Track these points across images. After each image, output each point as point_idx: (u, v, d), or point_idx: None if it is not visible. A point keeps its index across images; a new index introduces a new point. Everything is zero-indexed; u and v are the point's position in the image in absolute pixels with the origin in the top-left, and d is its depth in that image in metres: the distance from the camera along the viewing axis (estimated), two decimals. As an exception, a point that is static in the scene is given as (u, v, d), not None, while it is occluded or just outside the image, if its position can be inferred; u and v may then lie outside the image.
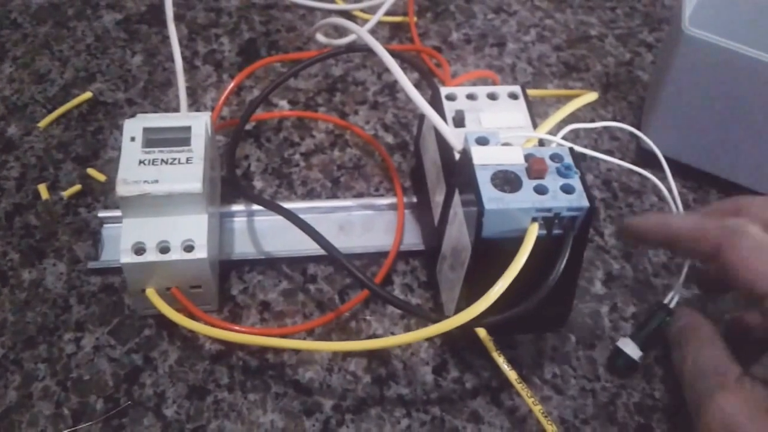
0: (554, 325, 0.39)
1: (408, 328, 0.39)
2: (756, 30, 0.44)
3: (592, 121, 0.50)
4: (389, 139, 0.48)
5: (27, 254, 0.41)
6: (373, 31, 0.51)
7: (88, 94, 0.49)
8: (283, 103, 0.50)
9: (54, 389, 0.36)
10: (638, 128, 0.47)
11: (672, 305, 0.38)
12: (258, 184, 0.45)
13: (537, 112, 0.42)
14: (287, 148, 0.47)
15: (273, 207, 0.39)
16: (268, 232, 0.42)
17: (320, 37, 0.50)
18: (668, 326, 0.37)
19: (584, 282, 0.41)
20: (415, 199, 0.44)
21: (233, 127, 0.46)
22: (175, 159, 0.36)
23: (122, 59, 0.52)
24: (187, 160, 0.36)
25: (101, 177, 0.44)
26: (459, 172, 0.35)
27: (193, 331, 0.37)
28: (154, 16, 0.55)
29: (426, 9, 0.57)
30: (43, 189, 0.44)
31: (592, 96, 0.42)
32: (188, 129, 0.38)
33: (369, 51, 0.40)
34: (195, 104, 0.49)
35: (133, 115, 0.40)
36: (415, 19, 0.55)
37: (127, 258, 0.35)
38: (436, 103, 0.39)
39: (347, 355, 0.38)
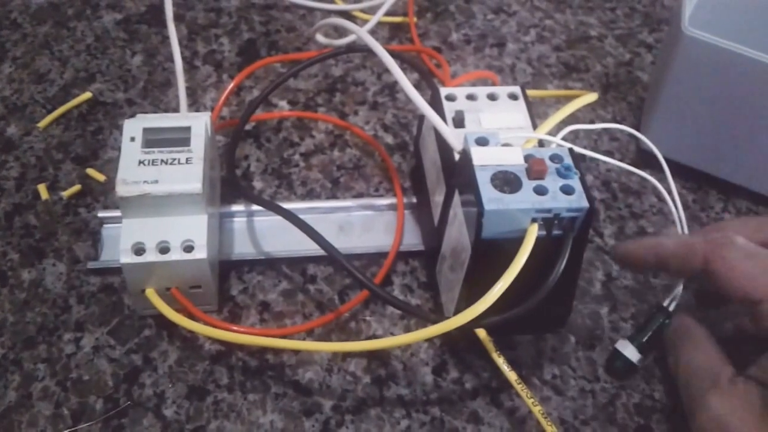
0: (554, 326, 0.39)
1: (408, 329, 0.39)
2: (756, 31, 0.44)
3: (592, 121, 0.50)
4: (389, 139, 0.48)
5: (27, 254, 0.41)
6: (372, 32, 0.51)
7: (87, 95, 0.49)
8: (283, 103, 0.50)
9: (53, 389, 0.36)
10: (638, 129, 0.47)
11: (671, 308, 0.38)
12: (258, 184, 0.45)
13: (537, 112, 0.42)
14: (287, 148, 0.47)
15: (272, 207, 0.39)
16: (267, 233, 0.42)
17: (320, 38, 0.50)
18: (666, 329, 0.37)
19: (584, 283, 0.41)
20: (414, 200, 0.44)
21: (233, 127, 0.46)
22: (174, 159, 0.36)
23: (122, 59, 0.52)
24: (187, 160, 0.36)
25: (101, 177, 0.44)
26: (459, 173, 0.35)
27: (192, 332, 0.37)
28: (154, 16, 0.55)
29: (426, 9, 0.57)
30: (42, 189, 0.44)
31: (591, 97, 0.42)
32: (188, 129, 0.38)
33: (369, 51, 0.40)
34: (195, 104, 0.49)
35: (132, 116, 0.40)
36: (414, 19, 0.55)
37: (127, 258, 0.35)
38: (436, 104, 0.39)
39: (347, 355, 0.38)
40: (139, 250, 0.35)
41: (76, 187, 0.44)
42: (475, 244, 0.33)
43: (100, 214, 0.42)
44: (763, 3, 0.46)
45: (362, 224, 0.43)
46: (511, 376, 0.34)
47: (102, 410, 0.35)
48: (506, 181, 0.32)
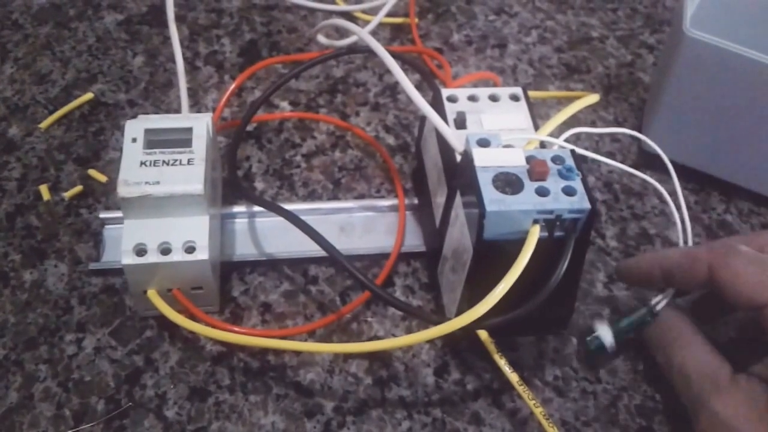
0: (556, 327, 0.39)
1: (409, 330, 0.39)
2: (757, 31, 0.44)
3: (593, 122, 0.50)
4: (390, 140, 0.48)
5: (28, 255, 0.41)
6: (374, 33, 0.51)
7: (89, 95, 0.49)
8: (285, 104, 0.50)
9: (55, 390, 0.36)
10: (639, 130, 0.47)
11: (658, 308, 0.36)
12: (259, 185, 0.45)
13: (538, 113, 0.42)
14: (288, 149, 0.47)
15: (274, 208, 0.39)
16: (269, 234, 0.42)
17: (321, 39, 0.50)
18: (648, 327, 0.37)
19: (586, 284, 0.41)
20: (416, 201, 0.44)
21: (234, 128, 0.46)
22: (176, 160, 0.36)
23: (123, 60, 0.52)
24: (189, 161, 0.36)
25: (102, 178, 0.44)
26: (460, 174, 0.35)
27: (194, 333, 0.37)
28: (156, 16, 0.55)
29: (427, 10, 0.57)
30: (44, 190, 0.44)
31: (593, 98, 0.42)
32: (189, 130, 0.38)
33: (370, 52, 0.40)
34: (196, 105, 0.49)
35: (134, 116, 0.40)
36: (416, 20, 0.55)
37: (129, 259, 0.35)
38: (438, 105, 0.39)
39: (348, 356, 0.38)
40: (140, 251, 0.35)
41: (78, 188, 0.44)
42: (476, 245, 0.33)
43: (102, 215, 0.42)
44: (765, 4, 0.46)
45: (364, 225, 0.43)
46: (513, 377, 0.34)
47: (103, 411, 0.35)
48: (508, 183, 0.32)
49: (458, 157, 0.36)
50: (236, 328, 0.38)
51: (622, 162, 0.47)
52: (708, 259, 0.33)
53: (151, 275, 0.36)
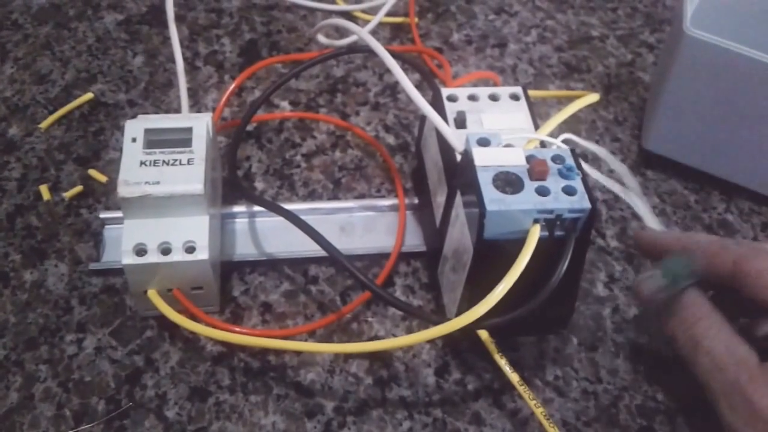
0: (556, 327, 0.39)
1: (410, 330, 0.39)
2: (757, 31, 0.44)
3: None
4: (390, 140, 0.48)
5: (28, 255, 0.41)
6: (374, 32, 0.51)
7: (89, 95, 0.49)
8: (285, 104, 0.50)
9: (55, 390, 0.36)
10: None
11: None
12: (259, 185, 0.45)
13: (538, 113, 0.42)
14: (288, 149, 0.47)
15: (274, 208, 0.39)
16: (269, 234, 0.42)
17: (321, 38, 0.50)
18: (669, 302, 0.35)
19: (586, 284, 0.41)
20: (416, 201, 0.44)
21: (234, 128, 0.46)
22: (176, 160, 0.36)
23: (123, 60, 0.52)
24: (189, 161, 0.36)
25: (102, 178, 0.44)
26: (460, 174, 0.35)
27: (194, 333, 0.37)
28: (155, 16, 0.55)
29: (427, 10, 0.57)
30: (44, 190, 0.44)
31: (593, 97, 0.42)
32: (189, 130, 0.38)
33: (370, 52, 0.40)
34: (196, 105, 0.49)
35: (134, 116, 0.40)
36: (416, 19, 0.55)
37: (129, 259, 0.35)
38: (438, 104, 0.39)
39: (349, 356, 0.38)
40: (140, 251, 0.35)
41: (78, 188, 0.44)
42: (477, 245, 0.33)
43: (102, 215, 0.42)
44: (765, 3, 0.46)
45: (364, 225, 0.43)
46: (514, 377, 0.34)
47: (104, 411, 0.35)
48: (508, 182, 0.32)
49: (458, 157, 0.36)
50: (236, 328, 0.38)
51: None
52: (737, 250, 0.32)
53: (151, 275, 0.36)
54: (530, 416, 0.36)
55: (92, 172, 0.45)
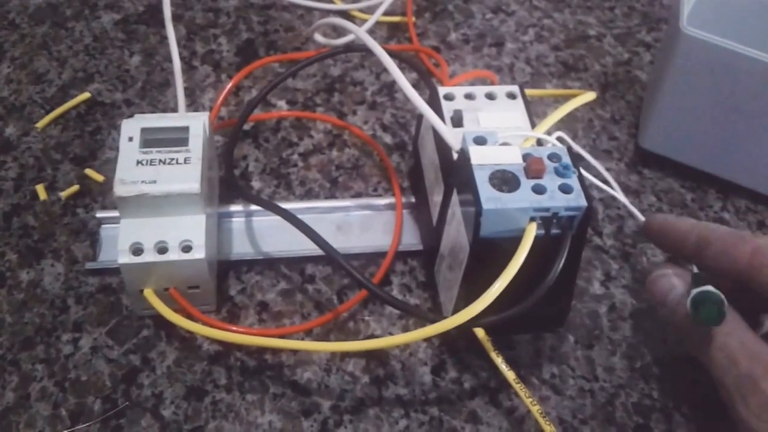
0: (553, 325, 0.39)
1: (406, 329, 0.39)
2: (754, 29, 0.44)
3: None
4: (387, 139, 0.48)
5: (25, 255, 0.41)
6: (371, 31, 0.51)
7: (86, 95, 0.49)
8: (282, 103, 0.50)
9: (52, 390, 0.36)
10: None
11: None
12: (256, 184, 0.45)
13: (535, 111, 0.42)
14: (285, 148, 0.47)
15: (271, 207, 0.39)
16: (266, 233, 0.42)
17: (318, 37, 0.50)
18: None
19: (582, 282, 0.41)
20: (413, 199, 0.44)
21: (231, 127, 0.46)
22: (172, 159, 0.36)
23: (120, 59, 0.52)
24: (185, 160, 0.36)
25: (99, 177, 0.44)
26: (457, 172, 0.35)
27: (191, 332, 0.37)
28: (152, 16, 0.55)
29: (424, 9, 0.57)
30: (41, 189, 0.44)
31: (590, 96, 0.42)
32: (186, 129, 0.38)
33: (367, 51, 0.40)
34: (193, 104, 0.49)
35: (131, 116, 0.40)
36: (413, 19, 0.55)
37: (125, 258, 0.35)
38: (435, 103, 0.39)
39: (345, 355, 0.38)
40: (137, 250, 0.35)
41: (75, 188, 0.44)
42: (473, 243, 0.33)
43: (99, 215, 0.42)
44: (762, 2, 0.46)
45: (361, 224, 0.43)
46: (510, 375, 0.34)
47: (100, 411, 0.35)
48: (504, 180, 0.32)
49: (455, 155, 0.36)
50: (233, 327, 0.38)
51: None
52: (754, 241, 0.32)
53: (147, 274, 0.36)
54: (527, 414, 0.36)
55: (89, 172, 0.45)
